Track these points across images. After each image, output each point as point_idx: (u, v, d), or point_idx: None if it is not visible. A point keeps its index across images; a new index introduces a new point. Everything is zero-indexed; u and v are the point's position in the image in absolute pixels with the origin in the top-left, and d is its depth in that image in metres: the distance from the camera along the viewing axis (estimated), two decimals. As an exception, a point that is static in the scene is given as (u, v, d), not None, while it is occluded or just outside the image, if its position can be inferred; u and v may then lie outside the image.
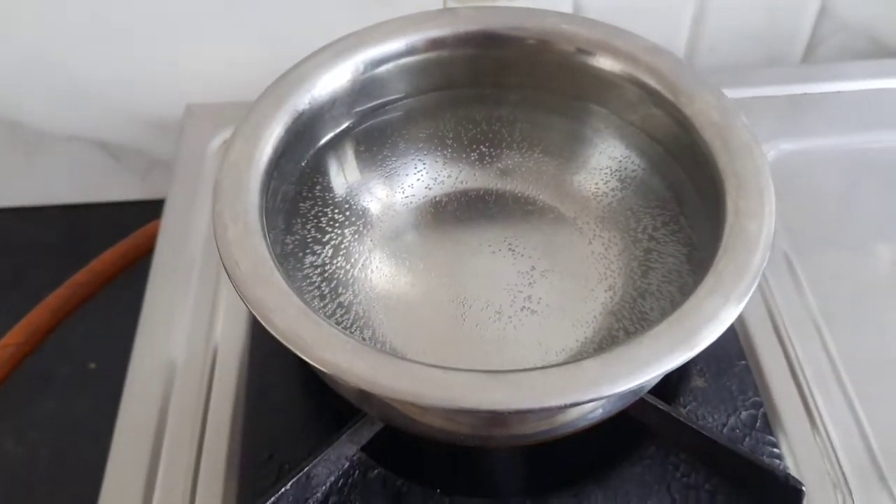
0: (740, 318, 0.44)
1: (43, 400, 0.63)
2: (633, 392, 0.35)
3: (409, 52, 0.40)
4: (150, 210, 0.55)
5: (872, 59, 0.65)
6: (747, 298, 0.31)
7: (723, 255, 0.32)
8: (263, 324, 0.30)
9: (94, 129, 0.68)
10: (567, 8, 0.60)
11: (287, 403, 0.41)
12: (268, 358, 0.42)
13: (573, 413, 0.34)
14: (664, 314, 0.31)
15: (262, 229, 0.33)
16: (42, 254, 0.70)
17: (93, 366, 0.65)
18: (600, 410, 0.34)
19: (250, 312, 0.45)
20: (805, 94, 0.57)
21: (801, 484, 0.35)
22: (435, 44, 0.41)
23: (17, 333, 0.53)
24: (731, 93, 0.56)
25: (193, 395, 0.43)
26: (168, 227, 0.52)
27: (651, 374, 0.29)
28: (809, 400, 0.41)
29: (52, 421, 0.63)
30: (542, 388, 0.29)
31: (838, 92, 0.57)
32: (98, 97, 0.66)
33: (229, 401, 0.42)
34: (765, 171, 0.35)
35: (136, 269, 0.55)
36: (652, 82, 0.39)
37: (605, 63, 0.40)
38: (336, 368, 0.29)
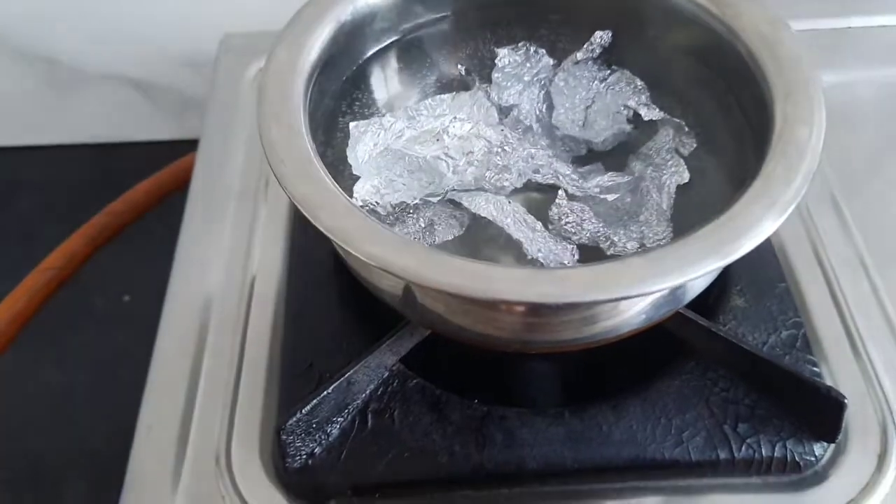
0: (781, 246, 0.44)
1: (79, 330, 0.64)
2: (674, 299, 0.35)
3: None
4: (184, 150, 0.55)
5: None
6: (797, 202, 0.31)
7: (771, 159, 0.32)
8: (311, 219, 0.31)
9: (129, 67, 0.69)
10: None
11: (326, 318, 0.41)
12: (305, 279, 0.43)
13: (614, 318, 0.34)
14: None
15: (306, 129, 0.33)
16: (77, 191, 0.71)
17: (127, 298, 0.66)
18: (643, 317, 0.34)
19: (289, 228, 0.46)
20: (849, 27, 0.56)
21: (843, 396, 0.35)
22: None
23: (56, 258, 0.54)
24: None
25: (233, 311, 0.43)
26: (204, 157, 0.52)
27: (699, 270, 0.29)
28: (851, 325, 0.41)
29: (89, 350, 0.64)
30: (588, 282, 0.29)
31: (883, 26, 0.56)
32: (133, 36, 0.66)
33: (268, 318, 0.42)
34: (814, 80, 0.34)
35: (169, 205, 0.56)
36: (698, -4, 0.39)
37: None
38: (384, 262, 0.29)
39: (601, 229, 0.37)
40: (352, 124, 0.37)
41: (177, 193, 0.56)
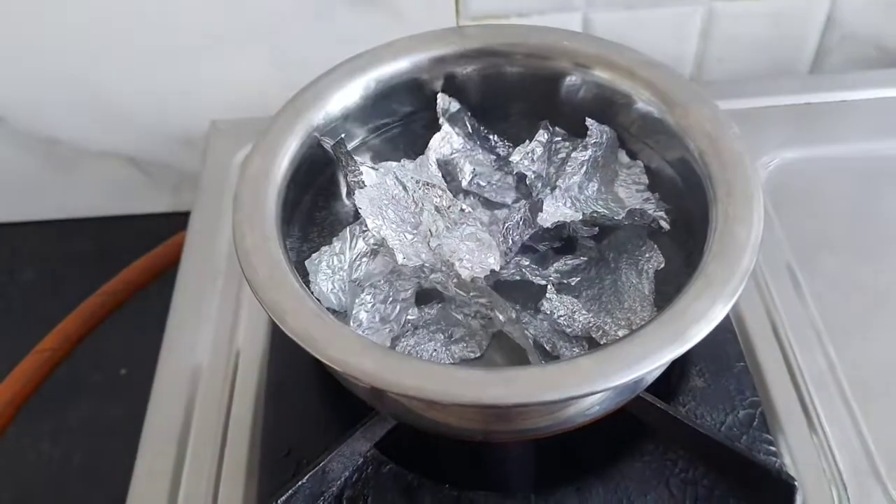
0: (740, 322, 0.46)
1: (77, 404, 0.66)
2: (629, 389, 0.37)
3: (417, 70, 0.43)
4: (180, 221, 0.58)
5: (881, 68, 0.66)
6: (734, 300, 0.33)
7: (711, 259, 0.34)
8: (279, 324, 0.33)
9: (126, 145, 0.71)
10: (577, 22, 0.62)
11: (304, 403, 0.43)
12: (286, 360, 0.45)
13: (573, 408, 0.36)
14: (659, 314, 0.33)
15: (279, 236, 0.36)
16: (77, 264, 0.73)
17: (124, 371, 0.68)
18: (597, 407, 0.36)
19: (270, 317, 0.48)
20: (811, 103, 0.58)
21: (793, 479, 0.36)
22: (441, 62, 0.43)
23: (52, 339, 0.56)
24: (738, 103, 0.58)
25: (217, 395, 0.45)
26: (193, 238, 0.54)
27: (642, 370, 0.31)
28: (807, 401, 0.43)
29: (85, 424, 0.66)
30: (538, 384, 0.31)
31: (844, 101, 0.58)
32: (129, 116, 0.69)
33: (250, 401, 0.44)
34: (754, 180, 0.36)
35: (165, 279, 0.58)
36: (648, 95, 0.41)
37: (602, 77, 0.42)
38: (345, 365, 0.31)
39: (591, 319, 0.39)
40: (307, 261, 0.39)
41: (171, 269, 0.58)
